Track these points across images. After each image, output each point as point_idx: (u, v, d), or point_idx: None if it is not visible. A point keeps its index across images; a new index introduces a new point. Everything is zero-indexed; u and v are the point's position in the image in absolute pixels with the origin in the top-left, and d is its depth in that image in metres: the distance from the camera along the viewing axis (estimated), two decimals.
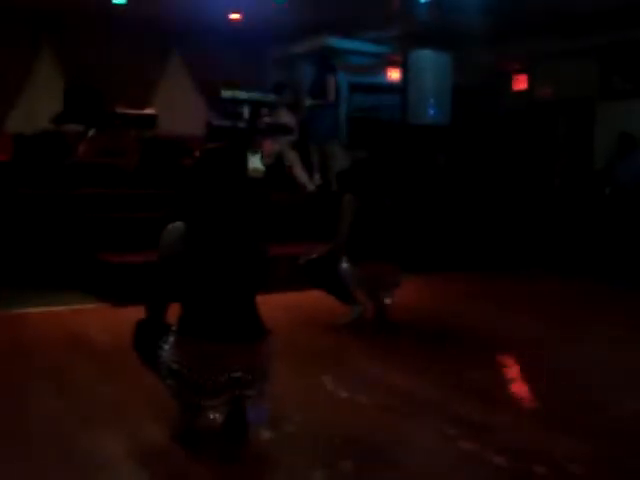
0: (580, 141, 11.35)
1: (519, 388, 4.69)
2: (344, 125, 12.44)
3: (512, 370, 5.20)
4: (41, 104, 10.66)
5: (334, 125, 10.92)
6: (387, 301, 5.95)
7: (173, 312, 3.40)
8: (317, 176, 10.39)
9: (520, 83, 12.81)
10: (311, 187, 10.08)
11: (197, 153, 10.16)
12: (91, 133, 9.29)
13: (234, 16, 11.38)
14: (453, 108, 11.00)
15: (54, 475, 3.08)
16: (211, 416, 3.37)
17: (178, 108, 11.68)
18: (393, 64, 12.86)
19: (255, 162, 9.43)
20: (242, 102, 9.92)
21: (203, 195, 3.40)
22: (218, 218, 3.37)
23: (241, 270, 3.38)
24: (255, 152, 9.62)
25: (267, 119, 10.34)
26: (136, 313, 3.52)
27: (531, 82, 12.48)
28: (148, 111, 9.89)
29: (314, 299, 6.25)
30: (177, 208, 3.43)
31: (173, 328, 3.35)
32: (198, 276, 3.30)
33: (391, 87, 12.81)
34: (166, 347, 3.29)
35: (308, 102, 10.22)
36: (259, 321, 3.43)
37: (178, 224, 3.35)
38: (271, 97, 10.23)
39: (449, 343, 5.55)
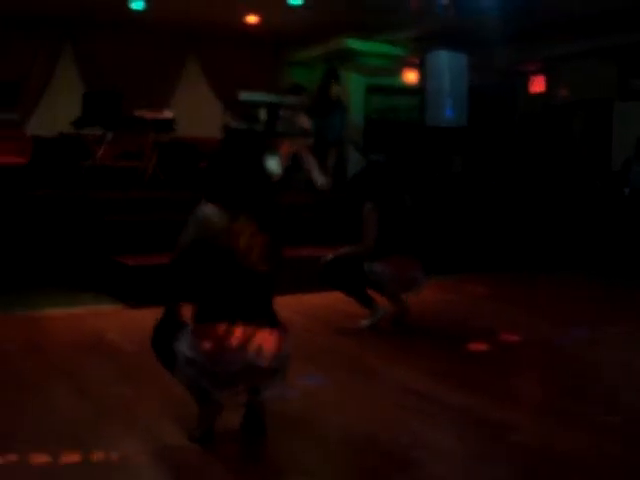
0: (598, 142, 11.28)
1: (539, 390, 4.66)
2: (361, 127, 12.45)
3: (532, 372, 5.16)
4: (61, 108, 10.75)
5: (343, 128, 11.00)
6: (413, 294, 5.92)
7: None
8: (330, 179, 10.44)
9: (537, 85, 12.74)
10: (325, 187, 10.12)
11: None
12: (109, 136, 9.34)
13: (251, 19, 11.42)
14: (470, 109, 10.97)
15: (71, 474, 3.10)
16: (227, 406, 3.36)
17: (195, 111, 11.74)
18: (411, 66, 12.85)
19: (272, 164, 9.44)
20: (259, 104, 9.93)
21: (229, 176, 3.42)
22: (244, 201, 3.38)
23: (272, 250, 3.39)
24: (272, 154, 9.63)
25: (284, 121, 10.35)
26: (152, 315, 3.53)
27: (549, 83, 12.42)
28: (166, 114, 9.93)
29: (333, 301, 6.24)
30: (204, 190, 3.44)
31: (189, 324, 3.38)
32: (230, 258, 3.31)
33: (408, 89, 12.82)
34: (183, 338, 3.30)
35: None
36: (274, 312, 3.44)
37: (211, 207, 3.37)
38: (288, 99, 10.24)
39: (469, 345, 5.52)
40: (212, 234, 3.31)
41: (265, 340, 3.30)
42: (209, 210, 3.36)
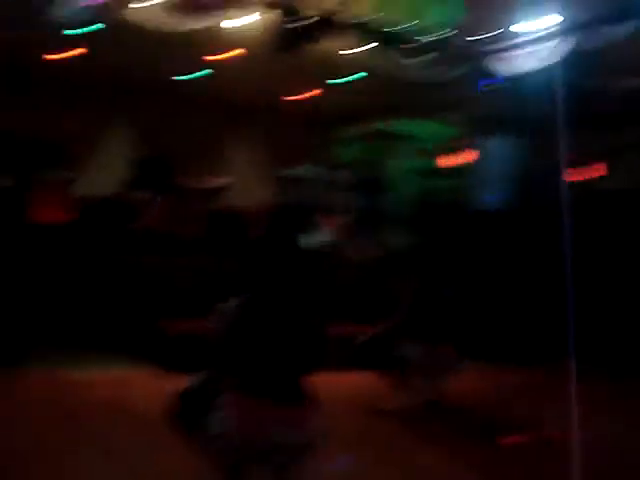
0: None
1: None
2: (405, 207, 12.46)
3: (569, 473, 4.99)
4: (111, 169, 10.93)
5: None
6: (446, 380, 5.83)
7: None
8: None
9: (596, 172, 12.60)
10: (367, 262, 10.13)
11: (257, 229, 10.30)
12: (159, 200, 9.46)
13: (305, 95, 11.60)
14: (518, 195, 10.92)
15: None
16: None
17: (246, 181, 11.86)
18: (459, 148, 12.89)
19: (319, 238, 9.48)
20: (308, 179, 10.03)
21: (266, 266, 3.44)
22: (278, 291, 3.39)
23: (295, 342, 3.37)
24: (319, 228, 9.67)
25: (330, 196, 10.43)
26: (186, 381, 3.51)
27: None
28: (215, 182, 10.05)
29: (368, 381, 6.15)
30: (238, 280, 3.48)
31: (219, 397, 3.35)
32: (252, 344, 3.30)
33: (456, 171, 12.83)
34: (214, 411, 3.26)
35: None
36: (308, 391, 3.40)
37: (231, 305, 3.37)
38: (335, 175, 10.33)
39: (505, 438, 5.36)
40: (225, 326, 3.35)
41: (298, 418, 3.28)
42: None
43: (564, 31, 7.12)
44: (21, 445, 4.38)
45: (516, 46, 7.69)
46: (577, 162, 12.35)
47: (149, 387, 6.12)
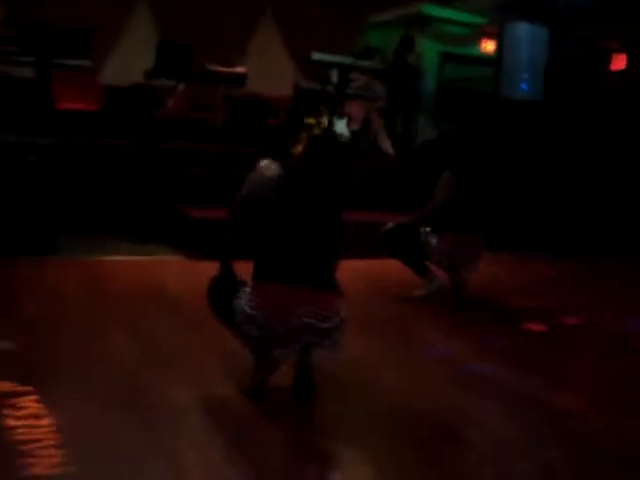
0: None
1: (596, 377, 4.54)
2: (433, 95, 12.28)
3: (590, 358, 5.04)
4: (134, 58, 10.79)
5: (419, 96, 10.91)
6: (466, 274, 5.85)
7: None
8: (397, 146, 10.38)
9: (619, 62, 12.36)
10: (391, 153, 10.06)
11: (284, 116, 10.21)
12: (181, 88, 9.36)
13: None
14: (547, 84, 10.69)
15: (120, 417, 3.15)
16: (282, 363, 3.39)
17: (267, 68, 11.66)
18: (488, 35, 12.58)
19: (341, 127, 9.37)
20: (331, 66, 9.83)
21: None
22: (311, 177, 3.39)
23: (323, 223, 3.39)
24: (341, 117, 9.55)
25: (355, 84, 10.25)
26: (213, 267, 3.54)
27: (630, 62, 12.02)
28: (238, 69, 9.90)
29: (391, 268, 6.18)
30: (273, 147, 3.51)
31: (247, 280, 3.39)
32: (284, 222, 3.32)
33: (485, 59, 12.56)
34: (243, 295, 3.32)
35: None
36: (334, 278, 3.43)
37: (275, 167, 3.38)
38: (361, 62, 10.12)
39: (527, 325, 5.42)
40: (263, 196, 3.34)
41: (323, 302, 3.32)
42: (266, 169, 3.38)
43: None
44: (56, 319, 4.48)
45: None
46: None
47: (174, 271, 6.21)
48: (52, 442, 2.84)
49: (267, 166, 3.41)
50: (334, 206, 3.47)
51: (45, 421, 3.02)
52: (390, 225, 5.87)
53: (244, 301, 3.31)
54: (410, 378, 4.01)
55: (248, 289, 3.34)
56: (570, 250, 8.65)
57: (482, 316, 5.59)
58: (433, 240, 5.64)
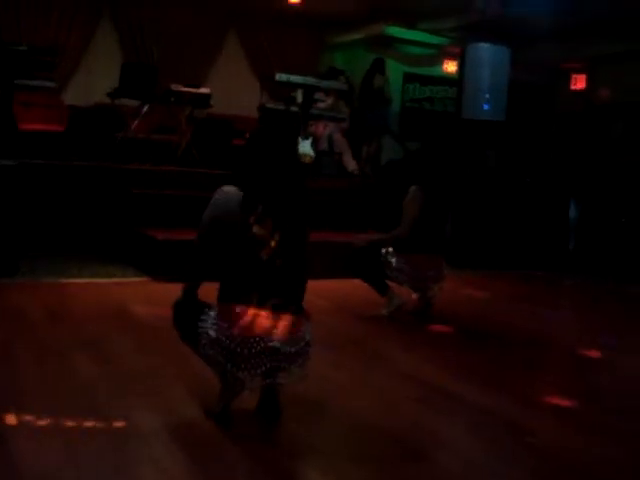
0: (637, 146, 11.09)
1: (555, 389, 4.59)
2: (397, 115, 12.40)
3: (555, 375, 5.10)
4: (98, 77, 10.78)
5: (386, 118, 11.04)
6: (432, 293, 5.89)
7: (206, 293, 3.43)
8: (364, 165, 10.48)
9: (579, 83, 12.59)
10: (356, 172, 10.16)
11: (248, 135, 10.22)
12: (145, 109, 9.35)
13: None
14: (508, 105, 10.84)
15: (85, 444, 3.10)
16: (247, 387, 3.37)
17: (232, 89, 11.73)
18: (450, 56, 12.75)
19: (306, 147, 9.41)
20: (296, 86, 9.88)
21: (258, 169, 3.41)
22: (271, 193, 3.37)
23: (288, 244, 3.38)
24: (307, 137, 9.60)
25: (320, 105, 10.32)
26: (177, 289, 3.53)
27: (590, 83, 12.25)
28: (203, 90, 9.91)
29: (355, 288, 6.20)
30: (233, 179, 3.45)
31: (212, 303, 3.39)
32: (249, 245, 3.31)
33: (447, 79, 12.72)
34: (207, 317, 3.31)
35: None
36: (300, 299, 3.44)
37: (235, 190, 3.37)
38: (325, 83, 10.20)
39: (487, 341, 5.47)
40: (229, 219, 3.32)
41: (289, 326, 3.31)
42: (231, 193, 3.36)
43: None
44: (15, 341, 4.42)
45: None
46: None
47: (138, 292, 6.17)
48: (6, 471, 2.80)
49: (234, 195, 3.38)
50: (301, 227, 3.46)
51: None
52: (362, 242, 5.89)
53: (209, 324, 3.29)
54: (375, 396, 4.01)
55: (213, 312, 3.33)
56: (532, 266, 8.76)
57: (448, 334, 5.62)
58: (393, 260, 5.68)
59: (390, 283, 5.80)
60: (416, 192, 5.72)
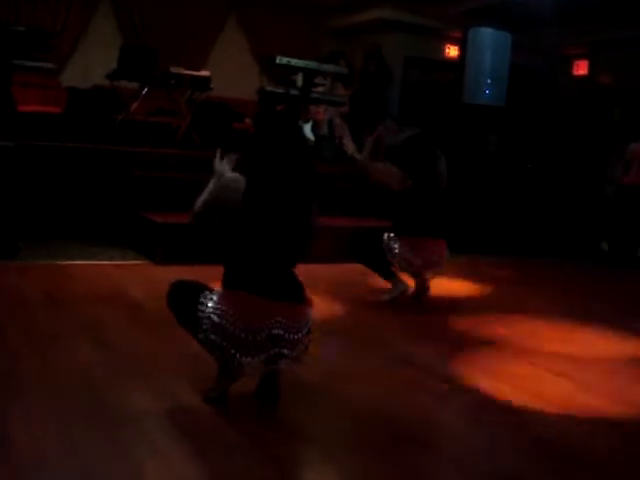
0: (638, 130, 11.07)
1: (560, 381, 4.57)
2: (397, 100, 12.35)
3: (554, 361, 5.09)
4: (97, 59, 10.70)
5: (385, 102, 11.00)
6: (430, 277, 5.88)
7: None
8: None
9: (580, 68, 12.53)
10: (356, 156, 10.10)
11: (248, 119, 10.19)
12: (144, 91, 9.29)
13: None
14: (510, 90, 10.79)
15: (81, 427, 3.09)
16: (247, 373, 3.36)
17: (232, 72, 11.64)
18: (451, 41, 12.67)
19: (306, 131, 9.37)
20: (296, 69, 9.83)
21: (265, 154, 3.38)
22: (278, 177, 3.34)
23: (294, 231, 3.36)
24: (306, 121, 9.56)
25: (320, 88, 10.27)
26: (176, 272, 3.52)
27: (592, 68, 12.20)
28: (202, 73, 9.84)
29: (359, 273, 6.19)
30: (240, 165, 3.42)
31: (214, 286, 3.37)
32: (253, 231, 3.29)
33: (448, 64, 12.65)
34: (208, 301, 3.28)
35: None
36: (301, 286, 3.42)
37: (239, 177, 3.34)
38: (325, 67, 10.14)
39: (482, 327, 5.45)
40: (232, 201, 3.30)
41: (293, 314, 3.30)
42: (241, 182, 3.33)
43: None
44: (12, 324, 4.41)
45: None
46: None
47: (138, 275, 6.16)
48: (4, 454, 2.79)
49: (235, 176, 3.35)
50: (306, 212, 3.43)
51: None
52: (361, 229, 5.91)
53: (211, 309, 3.27)
54: (374, 381, 4.01)
55: (214, 296, 3.31)
56: (534, 252, 8.76)
57: (446, 320, 5.60)
58: (395, 245, 5.66)
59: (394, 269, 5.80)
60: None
